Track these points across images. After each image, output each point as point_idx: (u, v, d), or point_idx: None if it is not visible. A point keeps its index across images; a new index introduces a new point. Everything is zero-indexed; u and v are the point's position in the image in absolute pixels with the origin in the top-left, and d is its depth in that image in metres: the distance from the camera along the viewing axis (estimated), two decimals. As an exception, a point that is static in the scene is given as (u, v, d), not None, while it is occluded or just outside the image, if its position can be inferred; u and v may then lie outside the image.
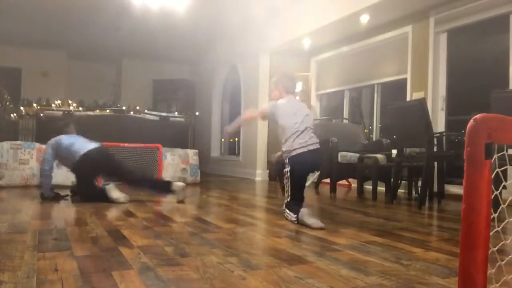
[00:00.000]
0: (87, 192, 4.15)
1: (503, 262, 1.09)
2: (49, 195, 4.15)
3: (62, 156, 4.27)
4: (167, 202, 4.33)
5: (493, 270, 1.03)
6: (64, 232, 2.55)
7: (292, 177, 3.17)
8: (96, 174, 4.37)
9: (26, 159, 5.55)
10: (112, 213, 3.36)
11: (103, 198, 4.02)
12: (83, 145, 4.27)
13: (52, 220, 2.97)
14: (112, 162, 4.40)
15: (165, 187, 4.26)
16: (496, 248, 1.03)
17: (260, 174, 8.02)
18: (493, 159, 0.93)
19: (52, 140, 4.30)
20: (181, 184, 4.22)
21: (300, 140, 3.16)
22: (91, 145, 4.30)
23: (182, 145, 7.18)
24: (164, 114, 8.05)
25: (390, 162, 5.02)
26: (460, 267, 0.94)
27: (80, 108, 7.35)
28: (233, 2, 7.03)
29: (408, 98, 5.73)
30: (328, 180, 5.54)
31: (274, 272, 1.75)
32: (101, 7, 7.27)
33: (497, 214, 1.03)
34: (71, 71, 10.68)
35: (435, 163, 4.57)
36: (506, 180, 1.14)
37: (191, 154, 6.61)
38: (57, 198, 4.17)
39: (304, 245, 2.33)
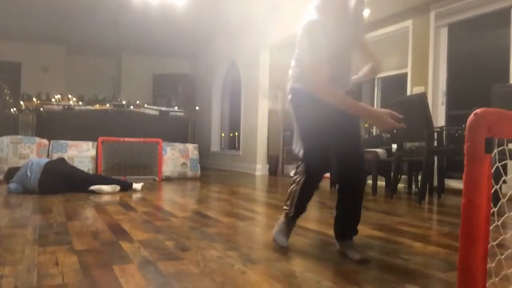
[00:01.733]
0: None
1: (503, 256, 1.09)
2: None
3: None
4: (168, 197, 4.34)
5: (493, 264, 1.03)
6: (64, 226, 2.55)
7: None
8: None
9: (26, 153, 5.55)
10: (113, 207, 3.36)
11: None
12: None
13: (52, 214, 2.97)
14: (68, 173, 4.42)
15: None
16: (496, 243, 1.03)
17: (260, 169, 8.03)
18: (493, 153, 0.93)
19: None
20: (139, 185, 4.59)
21: None
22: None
23: (182, 139, 7.19)
24: (164, 108, 8.05)
25: (390, 157, 5.02)
26: (460, 261, 0.94)
27: (80, 103, 7.35)
28: (233, -4, 7.00)
29: (408, 93, 5.71)
30: (328, 175, 5.54)
31: (274, 266, 1.76)
32: (101, 2, 7.24)
33: (497, 208, 1.03)
34: (71, 66, 10.66)
35: (435, 158, 4.57)
36: (506, 175, 1.14)
37: (191, 149, 6.61)
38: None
39: (304, 239, 2.34)
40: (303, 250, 2.07)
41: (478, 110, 0.93)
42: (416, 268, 1.78)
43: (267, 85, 8.03)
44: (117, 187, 4.39)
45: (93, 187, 4.24)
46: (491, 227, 0.95)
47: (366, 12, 5.96)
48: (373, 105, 6.78)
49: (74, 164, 5.28)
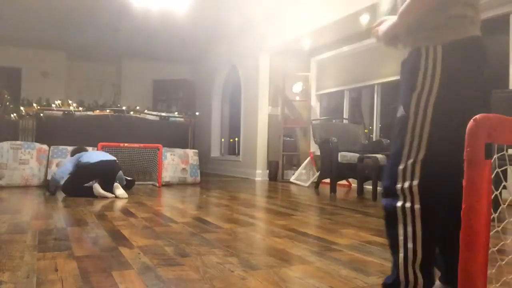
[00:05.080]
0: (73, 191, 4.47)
1: (503, 262, 1.09)
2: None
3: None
4: (168, 203, 4.33)
5: (493, 270, 1.03)
6: (64, 232, 2.55)
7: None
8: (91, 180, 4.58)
9: (26, 159, 5.55)
10: (112, 213, 3.36)
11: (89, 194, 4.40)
12: (91, 156, 4.69)
13: (52, 220, 2.97)
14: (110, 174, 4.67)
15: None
16: (496, 248, 1.03)
17: (260, 174, 8.02)
18: (493, 159, 0.93)
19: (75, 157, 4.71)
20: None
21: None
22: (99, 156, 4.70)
23: (182, 145, 7.18)
24: (164, 114, 8.05)
25: (390, 162, 5.01)
26: (460, 267, 0.94)
27: (80, 108, 7.35)
28: (233, 3, 7.03)
29: (408, 98, 5.72)
30: (328, 180, 5.54)
31: (274, 272, 1.75)
32: (101, 8, 7.27)
33: (497, 214, 1.03)
34: (71, 71, 10.68)
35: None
36: (506, 180, 1.14)
37: (191, 154, 6.61)
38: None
39: (304, 245, 2.33)
40: (303, 256, 2.07)
41: (477, 116, 0.93)
42: (417, 274, 1.77)
43: (267, 89, 8.05)
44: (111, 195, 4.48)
45: (98, 193, 4.38)
46: (491, 233, 0.95)
47: (366, 19, 5.99)
48: (372, 111, 6.79)
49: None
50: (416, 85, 1.24)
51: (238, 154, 9.07)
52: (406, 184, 1.22)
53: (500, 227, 1.04)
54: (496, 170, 1.00)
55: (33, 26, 8.60)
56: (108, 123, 6.82)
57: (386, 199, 1.29)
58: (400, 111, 1.28)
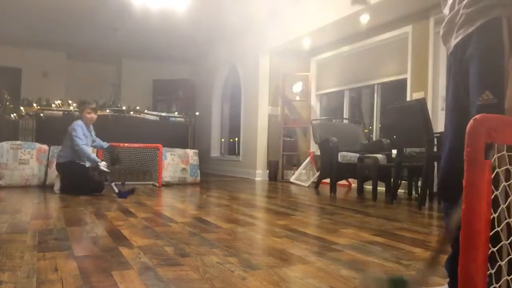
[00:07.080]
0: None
1: (503, 262, 1.09)
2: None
3: None
4: (168, 203, 4.33)
5: (493, 271, 1.03)
6: (64, 232, 2.55)
7: None
8: None
9: (26, 159, 5.54)
10: (112, 213, 3.36)
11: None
12: None
13: (52, 220, 2.97)
14: None
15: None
16: (496, 248, 1.03)
17: (260, 174, 8.02)
18: (493, 159, 0.93)
19: None
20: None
21: None
22: None
23: (182, 145, 7.18)
24: (164, 114, 8.05)
25: (390, 162, 5.02)
26: (460, 267, 0.94)
27: (80, 108, 7.34)
28: (233, 2, 7.03)
29: (408, 98, 5.72)
30: (328, 180, 5.54)
31: (274, 272, 1.75)
32: (101, 7, 7.26)
33: (497, 214, 1.02)
34: (71, 71, 10.67)
35: (435, 163, 4.57)
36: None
37: (191, 154, 6.61)
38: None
39: (304, 245, 2.33)
40: (303, 256, 2.07)
41: (477, 116, 0.93)
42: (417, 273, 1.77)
43: (267, 89, 8.05)
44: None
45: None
46: (491, 233, 0.95)
47: (366, 18, 5.99)
48: (372, 112, 6.79)
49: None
50: (504, 65, 1.03)
51: (238, 154, 9.07)
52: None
53: (500, 227, 1.04)
54: (496, 170, 0.99)
55: (33, 26, 8.59)
56: (108, 123, 6.82)
57: None
58: (486, 98, 1.10)
